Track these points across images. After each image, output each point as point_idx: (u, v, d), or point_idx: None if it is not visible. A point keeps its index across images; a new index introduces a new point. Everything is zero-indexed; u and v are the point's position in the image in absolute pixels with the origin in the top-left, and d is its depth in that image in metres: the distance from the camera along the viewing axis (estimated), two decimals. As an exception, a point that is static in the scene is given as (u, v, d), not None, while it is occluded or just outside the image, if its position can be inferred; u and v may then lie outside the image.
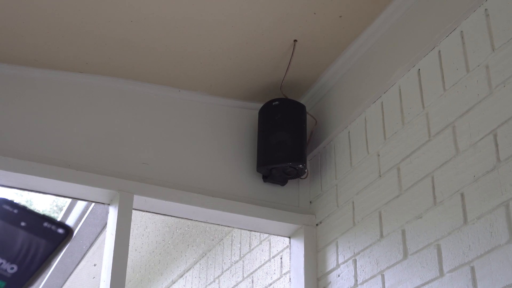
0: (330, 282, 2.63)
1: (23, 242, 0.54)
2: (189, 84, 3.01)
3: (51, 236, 0.55)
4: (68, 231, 0.56)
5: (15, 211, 0.57)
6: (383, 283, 2.32)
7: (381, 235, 2.39)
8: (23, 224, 0.56)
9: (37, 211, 0.57)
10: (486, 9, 2.13)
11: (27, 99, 2.76)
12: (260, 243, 3.37)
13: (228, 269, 3.73)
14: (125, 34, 2.71)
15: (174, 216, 2.96)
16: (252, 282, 3.38)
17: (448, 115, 2.19)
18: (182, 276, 4.44)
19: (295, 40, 2.76)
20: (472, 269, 1.95)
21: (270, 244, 3.25)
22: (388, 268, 2.31)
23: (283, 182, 2.94)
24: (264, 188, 2.94)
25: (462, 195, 2.05)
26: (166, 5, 2.58)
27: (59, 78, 2.85)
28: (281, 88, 2.94)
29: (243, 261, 3.54)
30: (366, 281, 2.42)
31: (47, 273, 5.10)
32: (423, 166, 2.26)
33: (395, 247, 2.30)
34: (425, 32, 2.40)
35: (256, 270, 3.36)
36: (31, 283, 0.53)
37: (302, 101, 3.02)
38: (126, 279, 2.55)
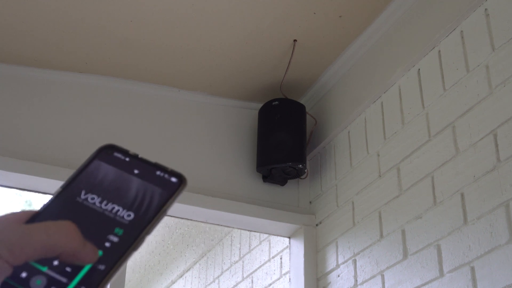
0: (330, 282, 2.63)
1: (138, 190, 0.54)
2: (189, 84, 3.01)
3: (165, 185, 0.54)
4: (182, 180, 0.55)
5: (127, 159, 0.56)
6: (383, 283, 2.32)
7: (381, 235, 2.39)
8: (136, 172, 0.55)
9: (149, 160, 0.56)
10: (486, 9, 2.13)
11: (27, 99, 2.76)
12: (260, 243, 3.37)
13: (227, 269, 3.72)
14: (124, 34, 2.71)
15: (173, 216, 2.96)
16: (252, 282, 3.38)
17: (448, 115, 2.19)
18: (181, 276, 4.44)
19: (295, 40, 2.76)
20: (472, 269, 1.95)
21: (270, 244, 3.25)
22: (388, 268, 2.31)
23: (283, 182, 2.94)
24: (264, 188, 2.94)
25: (462, 195, 2.05)
26: (166, 5, 2.58)
27: (59, 78, 2.85)
28: (281, 88, 2.94)
29: (243, 261, 3.54)
30: (366, 281, 2.41)
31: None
32: (423, 166, 2.25)
33: (395, 247, 2.29)
34: (425, 32, 2.39)
35: (256, 270, 3.36)
36: (148, 231, 0.52)
37: (302, 101, 3.02)
38: (125, 280, 2.55)
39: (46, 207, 0.53)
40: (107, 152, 0.56)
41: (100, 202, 0.53)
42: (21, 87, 2.78)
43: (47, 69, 2.83)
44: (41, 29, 2.67)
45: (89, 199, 0.53)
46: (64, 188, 0.54)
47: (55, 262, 0.48)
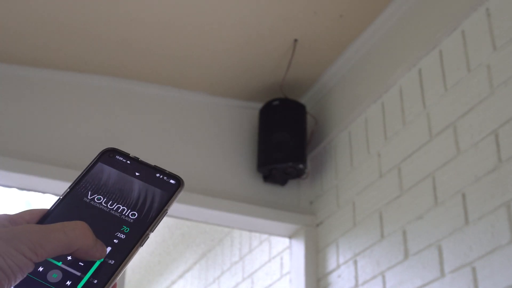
0: (331, 282, 2.62)
1: (140, 191, 0.59)
2: (189, 84, 3.01)
3: (164, 186, 0.59)
4: (180, 181, 0.60)
5: (128, 162, 0.61)
6: (384, 283, 2.31)
7: (382, 236, 2.38)
8: (137, 174, 0.60)
9: (148, 163, 0.61)
10: (487, 9, 2.13)
11: (26, 99, 2.76)
12: (260, 243, 3.36)
13: (228, 269, 3.72)
14: (125, 34, 2.71)
15: (173, 217, 2.95)
16: (252, 282, 3.37)
17: (449, 115, 2.19)
18: (181, 276, 4.44)
19: (295, 40, 2.76)
20: (474, 269, 1.94)
21: (270, 244, 3.25)
22: (389, 268, 2.31)
23: (283, 182, 2.93)
24: (265, 188, 2.93)
25: (463, 195, 2.05)
26: (166, 5, 2.57)
27: (59, 78, 2.85)
28: (282, 88, 2.94)
29: (243, 262, 3.53)
30: (366, 281, 2.41)
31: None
32: (424, 166, 2.25)
33: (396, 248, 2.29)
34: (426, 31, 2.39)
35: (256, 270, 3.36)
36: (152, 229, 0.57)
37: (302, 101, 3.01)
38: (125, 280, 2.54)
39: (56, 206, 0.57)
40: (109, 155, 0.61)
41: (106, 203, 0.58)
42: (21, 87, 2.78)
43: (47, 69, 2.83)
44: (41, 30, 2.67)
45: (95, 200, 0.58)
46: (71, 189, 0.58)
47: (69, 257, 0.53)
